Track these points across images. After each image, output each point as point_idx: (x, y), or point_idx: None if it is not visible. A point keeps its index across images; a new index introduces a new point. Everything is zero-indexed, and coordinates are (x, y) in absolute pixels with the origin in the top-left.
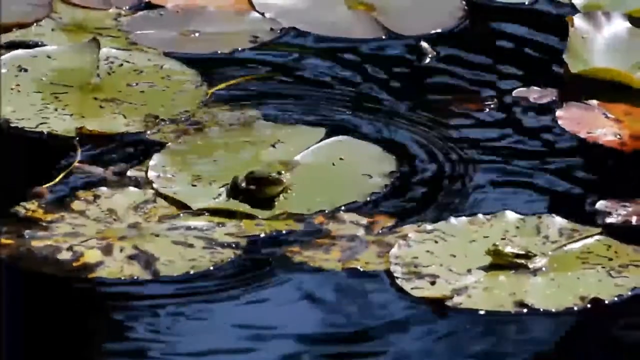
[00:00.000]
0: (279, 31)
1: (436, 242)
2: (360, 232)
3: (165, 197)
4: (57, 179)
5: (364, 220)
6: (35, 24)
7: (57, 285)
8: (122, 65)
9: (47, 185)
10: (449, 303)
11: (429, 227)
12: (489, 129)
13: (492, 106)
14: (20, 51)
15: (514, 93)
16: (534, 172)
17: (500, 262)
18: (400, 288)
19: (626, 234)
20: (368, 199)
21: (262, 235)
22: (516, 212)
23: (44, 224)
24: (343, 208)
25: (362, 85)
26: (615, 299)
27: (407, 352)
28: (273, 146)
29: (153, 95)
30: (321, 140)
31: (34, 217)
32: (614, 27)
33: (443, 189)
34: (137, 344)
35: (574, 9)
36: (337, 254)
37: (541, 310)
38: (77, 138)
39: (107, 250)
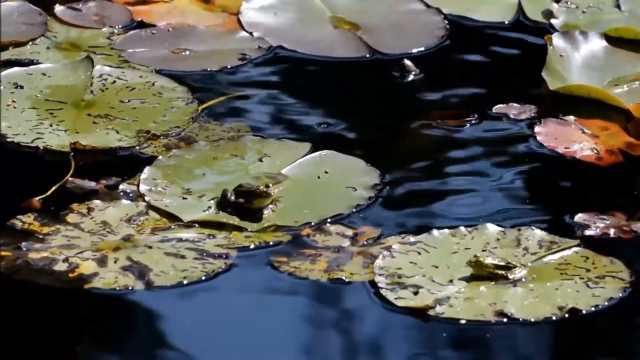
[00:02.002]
0: (266, 49)
1: (419, 253)
2: (346, 243)
3: (157, 210)
4: (49, 192)
5: (350, 232)
6: (30, 43)
7: (54, 296)
8: (114, 82)
9: (39, 198)
10: (431, 312)
11: (412, 238)
12: (470, 144)
13: (472, 122)
14: (16, 69)
15: (494, 109)
16: (514, 185)
17: (481, 273)
18: (384, 298)
19: (603, 246)
20: (353, 211)
21: (251, 246)
22: (497, 225)
23: (40, 236)
24: (329, 220)
25: (347, 101)
26: (593, 309)
27: None
28: (260, 160)
29: (145, 111)
30: (307, 154)
31: (30, 230)
32: (590, 45)
33: (426, 202)
34: (132, 352)
35: (553, 28)
36: (323, 264)
37: (520, 319)
38: (72, 153)
39: (102, 261)
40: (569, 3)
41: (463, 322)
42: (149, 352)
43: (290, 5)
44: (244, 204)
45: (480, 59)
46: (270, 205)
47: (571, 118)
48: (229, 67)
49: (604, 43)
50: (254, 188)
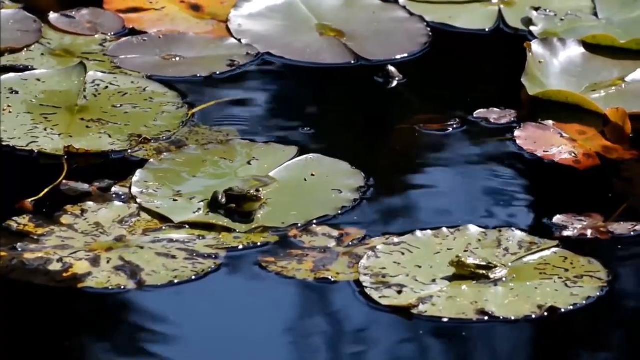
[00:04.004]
0: (254, 56)
1: (403, 253)
2: (332, 244)
3: (149, 211)
4: (41, 194)
5: (335, 233)
6: (25, 49)
7: (48, 295)
8: (107, 87)
9: (31, 199)
10: (414, 311)
11: (396, 239)
12: (452, 148)
13: (454, 126)
14: (11, 74)
15: (475, 114)
16: (494, 188)
17: (462, 273)
18: (369, 297)
19: (581, 246)
20: (339, 212)
21: (240, 247)
22: (478, 226)
23: (35, 237)
24: (315, 221)
25: (333, 106)
26: (571, 307)
27: (374, 358)
28: (249, 163)
29: (136, 115)
30: (294, 157)
31: (25, 231)
32: (568, 52)
33: (409, 203)
34: (124, 350)
35: (532, 36)
36: (309, 264)
37: (501, 318)
38: (65, 156)
39: (95, 261)
40: (547, 11)
41: (445, 320)
42: (141, 349)
43: (277, 13)
44: (235, 207)
45: (462, 65)
46: (260, 209)
47: (550, 122)
48: (218, 73)
49: (582, 50)
50: (244, 192)
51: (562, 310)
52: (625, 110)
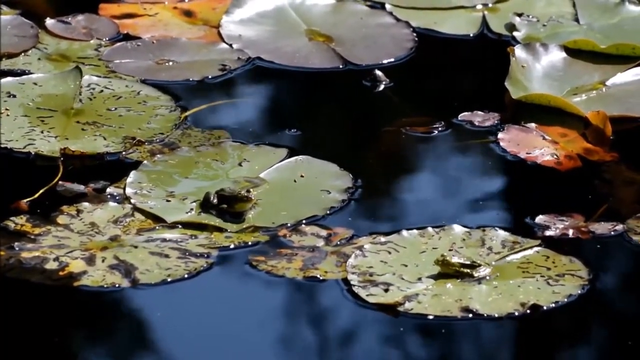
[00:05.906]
0: (245, 60)
1: (389, 252)
2: (320, 243)
3: (142, 212)
4: (37, 195)
5: (324, 233)
6: (22, 54)
7: (44, 293)
8: (102, 91)
9: (27, 200)
10: (400, 308)
11: (383, 239)
12: (437, 150)
13: (439, 129)
14: (9, 79)
15: (460, 117)
16: (478, 189)
17: (447, 271)
18: (357, 295)
19: (563, 245)
20: (327, 212)
21: (231, 246)
22: (462, 226)
23: (32, 236)
24: (304, 221)
25: (321, 109)
26: (553, 305)
27: (361, 354)
28: (240, 165)
29: (130, 118)
30: (283, 159)
31: (22, 231)
32: (550, 57)
33: (396, 204)
34: (118, 347)
35: (515, 41)
36: (298, 263)
37: (485, 315)
38: (61, 158)
39: (90, 260)
40: (530, 17)
41: (431, 317)
42: (135, 346)
43: (267, 19)
44: (227, 208)
45: (447, 70)
46: (251, 209)
47: (532, 125)
48: (210, 77)
49: (564, 54)
50: (235, 193)
51: (544, 307)
52: (605, 113)
